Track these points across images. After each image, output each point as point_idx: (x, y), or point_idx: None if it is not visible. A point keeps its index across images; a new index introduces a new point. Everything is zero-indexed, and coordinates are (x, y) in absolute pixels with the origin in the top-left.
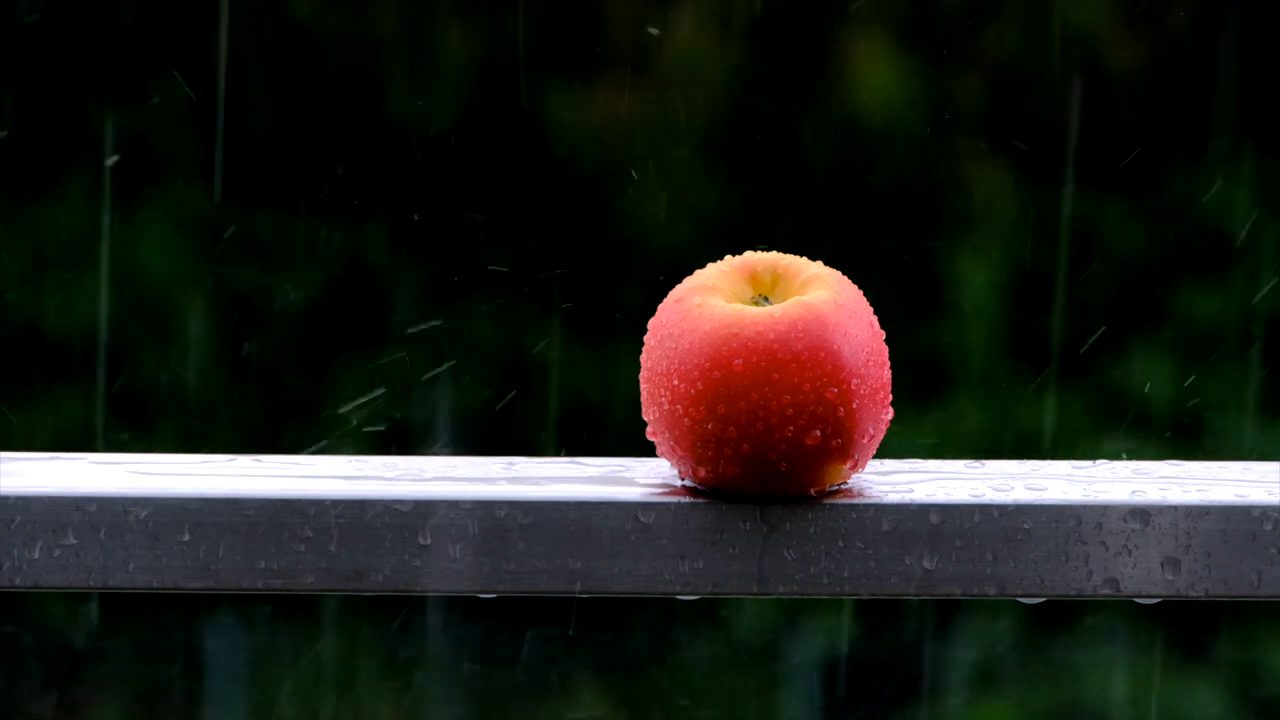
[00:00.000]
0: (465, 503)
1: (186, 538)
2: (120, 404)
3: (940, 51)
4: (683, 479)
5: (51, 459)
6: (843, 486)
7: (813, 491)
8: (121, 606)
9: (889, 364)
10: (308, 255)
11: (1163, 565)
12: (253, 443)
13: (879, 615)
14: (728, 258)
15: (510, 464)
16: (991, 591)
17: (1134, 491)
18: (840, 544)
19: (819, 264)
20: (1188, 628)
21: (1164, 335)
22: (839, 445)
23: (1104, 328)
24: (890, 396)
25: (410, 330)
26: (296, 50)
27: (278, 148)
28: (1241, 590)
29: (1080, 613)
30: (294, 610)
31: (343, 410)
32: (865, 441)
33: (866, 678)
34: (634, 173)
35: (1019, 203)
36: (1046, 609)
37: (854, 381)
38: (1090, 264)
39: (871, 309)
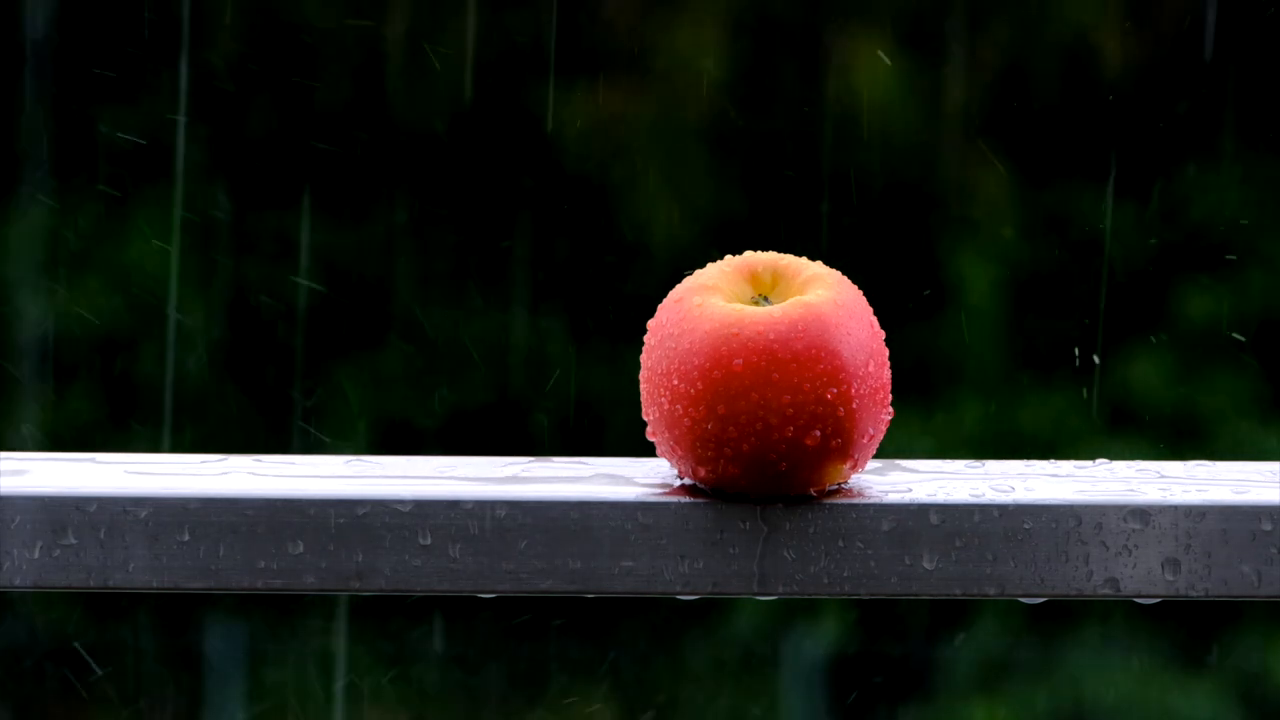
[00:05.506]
0: (465, 503)
1: (186, 538)
2: (120, 404)
3: (940, 51)
4: (682, 479)
5: (51, 459)
6: (843, 486)
7: (813, 491)
8: (121, 607)
9: (889, 364)
10: (308, 255)
11: (1163, 565)
12: (253, 442)
13: (879, 615)
14: (728, 258)
15: (510, 464)
16: (991, 591)
17: (1134, 491)
18: (840, 544)
19: (819, 264)
20: (1188, 628)
21: (1164, 335)
22: (839, 445)
23: (1104, 328)
24: (890, 396)
25: (410, 330)
26: (297, 50)
27: (279, 147)
28: (1241, 590)
29: (1080, 613)
30: (293, 610)
31: (342, 410)
32: (865, 441)
33: (866, 678)
34: (634, 172)
35: (1018, 202)
36: (1046, 609)
37: (854, 381)
38: (1090, 264)
39: (871, 309)
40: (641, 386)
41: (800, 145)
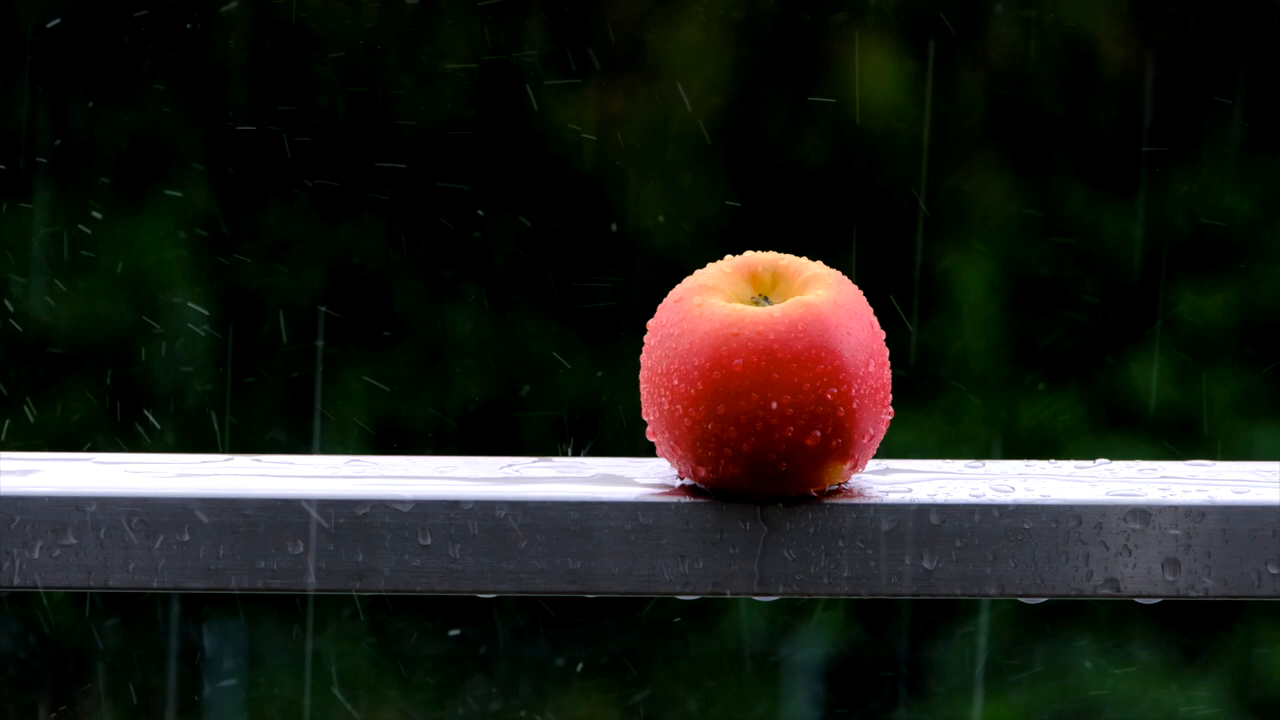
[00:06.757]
0: (465, 503)
1: (186, 538)
2: (120, 404)
3: (940, 52)
4: (682, 479)
5: (51, 459)
6: (843, 486)
7: (813, 491)
8: (121, 606)
9: (889, 364)
10: (308, 254)
11: (1163, 565)
12: (252, 442)
13: (879, 615)
14: (728, 258)
15: (510, 464)
16: (991, 591)
17: (1134, 492)
18: (840, 544)
19: (819, 264)
20: (1188, 628)
21: (1163, 335)
22: (839, 445)
23: (1104, 328)
24: (890, 396)
25: (410, 329)
26: (297, 49)
27: (278, 147)
28: (1241, 590)
29: (1080, 613)
30: (293, 610)
31: (342, 409)
32: (865, 441)
33: (866, 678)
34: (633, 173)
35: (1018, 203)
36: (1046, 609)
37: (854, 381)
38: (1089, 264)
39: (871, 309)
40: (642, 387)
41: (800, 145)
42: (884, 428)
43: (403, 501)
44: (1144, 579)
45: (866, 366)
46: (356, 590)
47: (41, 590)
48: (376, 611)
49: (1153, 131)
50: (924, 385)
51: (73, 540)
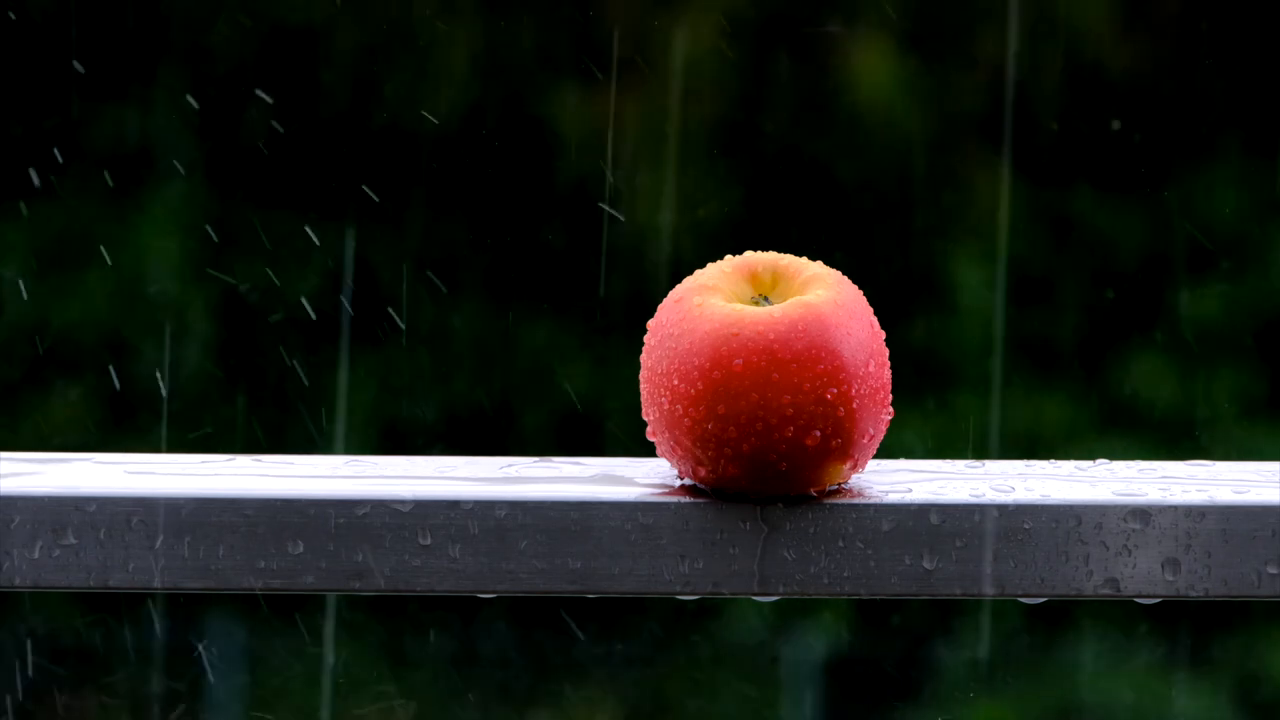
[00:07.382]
0: (465, 503)
1: (186, 537)
2: (120, 404)
3: (940, 52)
4: (682, 479)
5: (51, 459)
6: (843, 486)
7: (813, 491)
8: (120, 606)
9: (889, 364)
10: (307, 255)
11: (1163, 565)
12: (252, 443)
13: (878, 615)
14: (728, 258)
15: (510, 464)
16: (991, 591)
17: (1134, 492)
18: (840, 544)
19: (819, 264)
20: (1188, 628)
21: (1163, 335)
22: (839, 445)
23: (1103, 328)
24: (890, 396)
25: (410, 330)
26: (296, 50)
27: (278, 147)
28: (1241, 590)
29: (1080, 613)
30: (293, 610)
31: (342, 410)
32: (865, 441)
33: (866, 678)
34: (634, 172)
35: (1018, 202)
36: (1046, 609)
37: (854, 381)
38: (1089, 264)
39: (871, 309)
40: (642, 387)
41: (800, 145)
42: (884, 428)
43: (403, 501)
44: (1144, 579)
45: (866, 366)
46: (356, 590)
47: (41, 590)
48: (376, 610)
49: (1153, 131)
50: (924, 385)
51: (73, 540)
